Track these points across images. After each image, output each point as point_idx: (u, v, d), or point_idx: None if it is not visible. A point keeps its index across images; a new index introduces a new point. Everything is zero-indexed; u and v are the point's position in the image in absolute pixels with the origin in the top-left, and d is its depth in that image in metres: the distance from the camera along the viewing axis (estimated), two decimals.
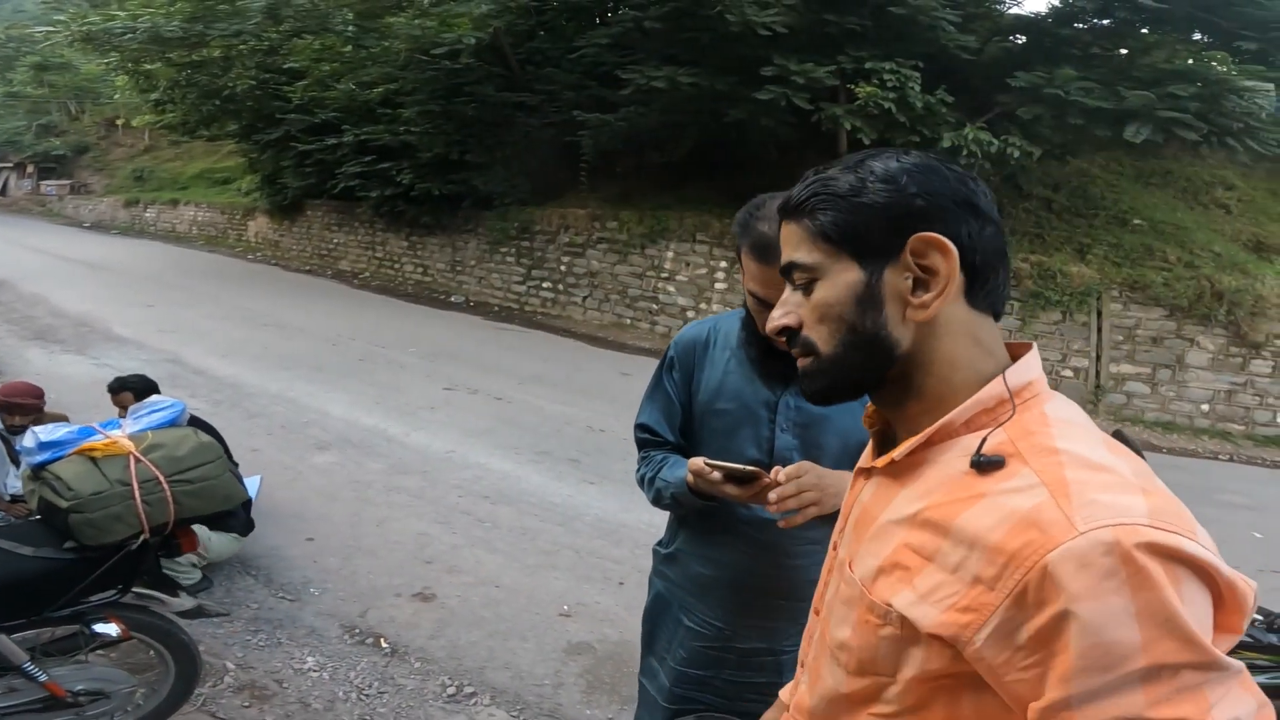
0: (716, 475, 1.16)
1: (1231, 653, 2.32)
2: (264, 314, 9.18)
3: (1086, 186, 9.26)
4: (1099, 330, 8.04)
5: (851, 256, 0.70)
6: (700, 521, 1.41)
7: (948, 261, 0.66)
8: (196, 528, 2.44)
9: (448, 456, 4.83)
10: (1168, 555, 0.54)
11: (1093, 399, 8.00)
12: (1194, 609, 0.54)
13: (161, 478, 1.79)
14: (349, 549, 3.53)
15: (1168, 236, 8.47)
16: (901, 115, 7.59)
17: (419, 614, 3.05)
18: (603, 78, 9.69)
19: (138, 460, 1.80)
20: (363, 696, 2.55)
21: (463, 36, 9.56)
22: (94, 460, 1.81)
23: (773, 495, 1.12)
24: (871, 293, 0.69)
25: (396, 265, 13.01)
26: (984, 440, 0.65)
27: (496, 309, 11.05)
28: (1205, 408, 7.94)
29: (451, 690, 2.62)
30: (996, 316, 0.71)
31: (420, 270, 12.62)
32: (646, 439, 1.48)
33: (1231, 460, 7.25)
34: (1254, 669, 2.39)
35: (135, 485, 1.76)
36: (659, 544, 1.55)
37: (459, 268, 12.09)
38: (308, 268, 13.78)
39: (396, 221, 12.65)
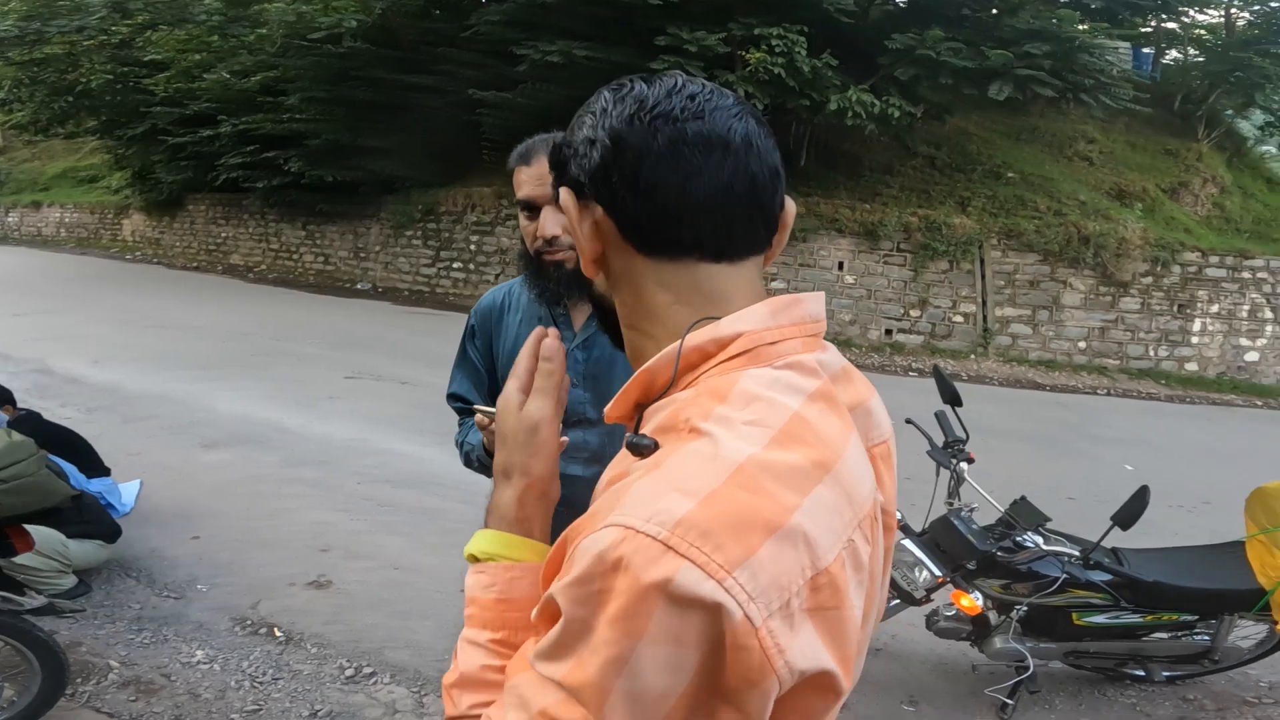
0: (487, 421, 1.13)
1: (1060, 590, 2.32)
2: (145, 315, 8.61)
3: (965, 144, 9.78)
4: (982, 277, 8.57)
5: None
6: None
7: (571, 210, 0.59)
8: (46, 532, 2.32)
9: (348, 445, 4.70)
10: (638, 576, 0.44)
11: (983, 342, 8.55)
12: (641, 655, 0.44)
13: None
14: (239, 544, 3.39)
15: (1038, 187, 9.08)
16: (791, 80, 7.77)
17: (314, 601, 2.98)
18: (504, 55, 9.46)
19: None
20: (256, 684, 2.48)
21: (342, 19, 9.10)
22: None
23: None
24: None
25: (295, 256, 12.43)
26: (639, 416, 0.56)
27: (406, 293, 10.75)
28: (1082, 345, 8.61)
29: (350, 671, 2.58)
30: (717, 258, 0.57)
31: (321, 259, 12.10)
32: (461, 407, 1.49)
33: (1109, 394, 7.89)
34: (1090, 608, 2.34)
35: None
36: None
37: (363, 254, 11.66)
38: (194, 264, 12.98)
39: (290, 211, 12.07)
